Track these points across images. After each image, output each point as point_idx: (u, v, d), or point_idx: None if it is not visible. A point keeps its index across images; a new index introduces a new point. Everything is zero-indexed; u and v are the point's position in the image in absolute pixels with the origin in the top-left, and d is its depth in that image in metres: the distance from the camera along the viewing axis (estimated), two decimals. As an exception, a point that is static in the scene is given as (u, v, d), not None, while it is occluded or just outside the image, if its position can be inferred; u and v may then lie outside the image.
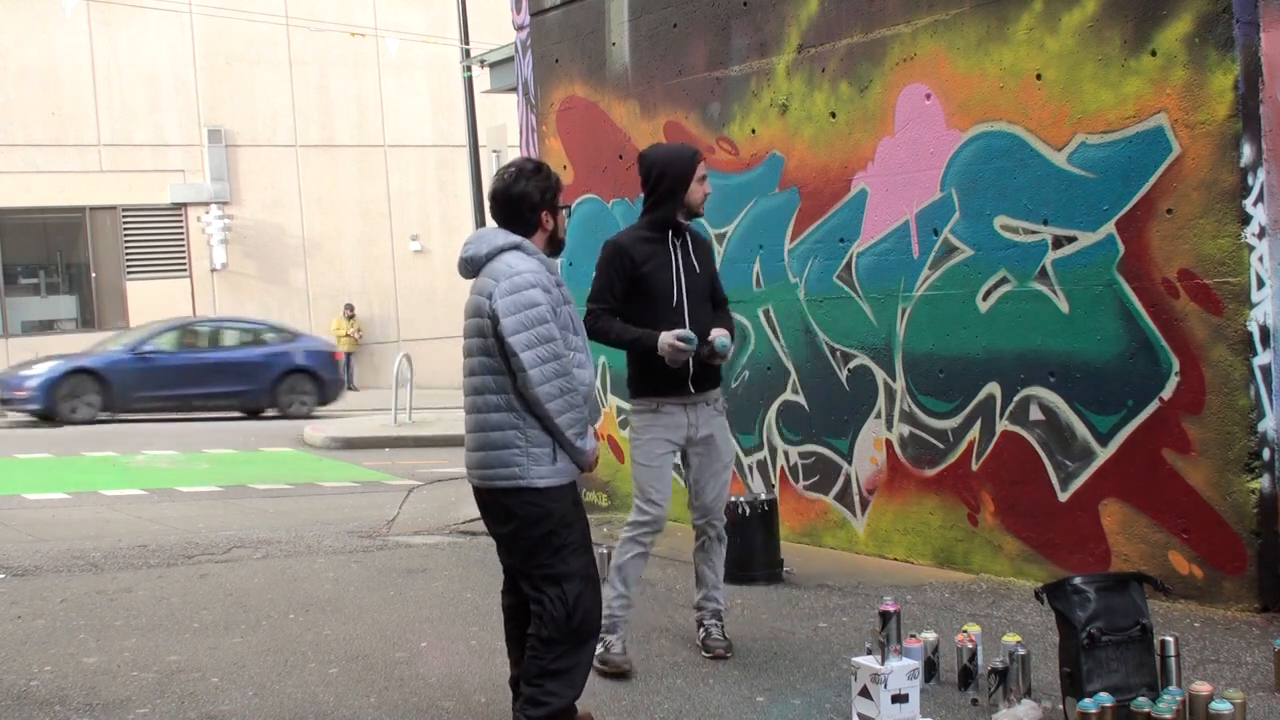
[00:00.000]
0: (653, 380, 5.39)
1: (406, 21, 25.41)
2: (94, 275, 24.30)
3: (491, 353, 4.23)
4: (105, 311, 24.36)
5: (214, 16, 24.15)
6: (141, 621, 6.46)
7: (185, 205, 24.32)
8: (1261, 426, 5.77)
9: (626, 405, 9.14)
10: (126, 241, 24.08)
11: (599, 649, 5.13)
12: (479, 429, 4.28)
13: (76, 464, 14.29)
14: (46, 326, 24.21)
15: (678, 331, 5.22)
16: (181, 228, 24.39)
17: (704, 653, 5.52)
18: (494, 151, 18.43)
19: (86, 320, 24.40)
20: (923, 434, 7.12)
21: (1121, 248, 6.14)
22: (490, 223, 4.48)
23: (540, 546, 4.25)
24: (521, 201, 4.37)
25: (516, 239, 4.33)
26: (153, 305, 24.02)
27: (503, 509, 4.27)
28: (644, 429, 5.44)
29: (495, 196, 4.40)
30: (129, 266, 24.17)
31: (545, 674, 4.23)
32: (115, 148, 23.71)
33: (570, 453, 4.27)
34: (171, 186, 24.10)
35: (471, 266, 4.34)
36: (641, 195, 5.47)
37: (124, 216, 23.94)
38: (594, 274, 5.41)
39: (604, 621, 5.03)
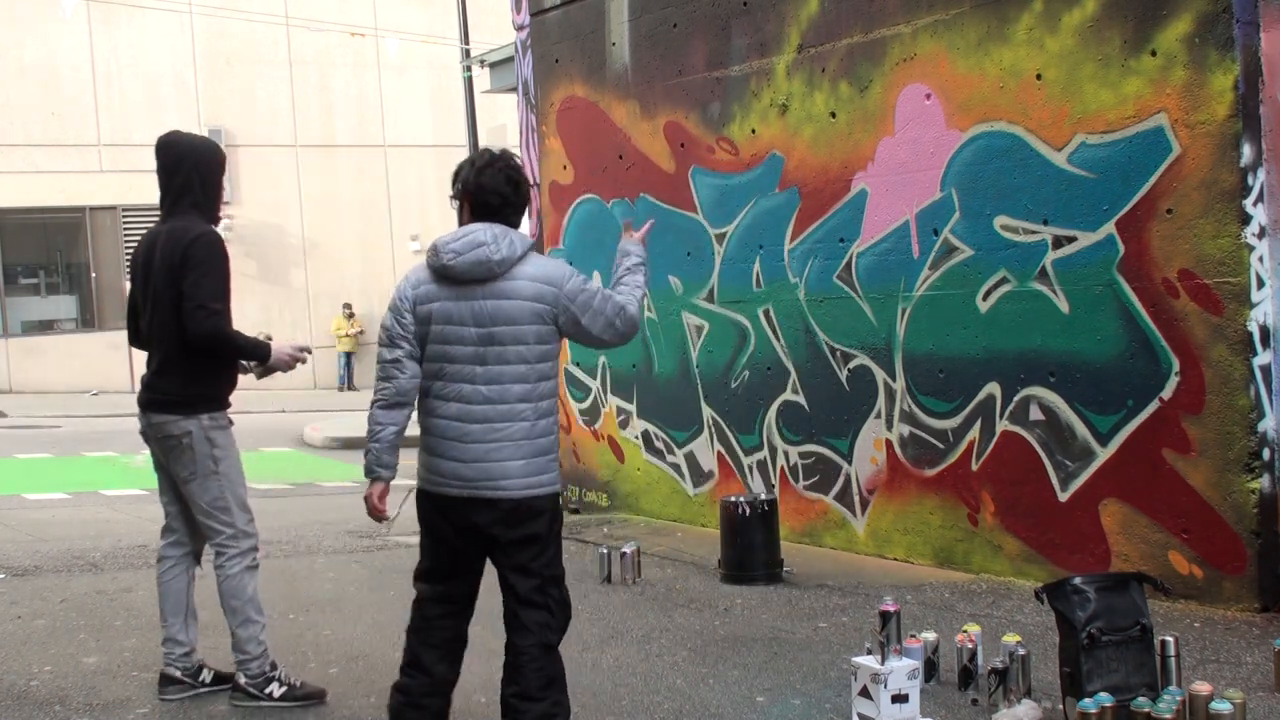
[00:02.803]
0: (227, 390, 5.08)
1: (406, 21, 25.39)
2: (94, 275, 24.31)
3: (550, 357, 4.11)
4: (105, 311, 24.36)
5: (214, 16, 24.15)
6: (141, 621, 6.45)
7: (185, 205, 24.30)
8: (1261, 426, 5.77)
9: (628, 405, 9.23)
10: (126, 241, 24.03)
11: (285, 689, 5.03)
12: (520, 438, 4.08)
13: (76, 464, 14.30)
14: (46, 326, 24.23)
15: (299, 344, 5.17)
16: (181, 228, 24.40)
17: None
18: (494, 151, 18.39)
19: (86, 320, 24.41)
20: (923, 434, 7.12)
21: (1121, 248, 6.14)
22: (455, 220, 4.30)
23: (552, 545, 4.19)
24: (527, 198, 4.26)
25: (531, 238, 4.26)
26: (153, 305, 24.02)
27: (524, 511, 4.10)
28: (230, 442, 5.06)
29: (504, 194, 4.16)
30: (129, 266, 24.17)
31: (551, 683, 4.12)
32: (115, 148, 23.72)
33: None
34: (171, 186, 24.10)
35: (502, 268, 4.05)
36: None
37: (124, 216, 23.93)
38: (203, 270, 4.84)
39: (268, 658, 5.04)
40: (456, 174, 4.24)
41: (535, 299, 4.06)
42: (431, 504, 4.27)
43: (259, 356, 5.04)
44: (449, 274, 4.09)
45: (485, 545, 4.20)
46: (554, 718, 4.12)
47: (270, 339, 5.17)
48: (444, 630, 4.30)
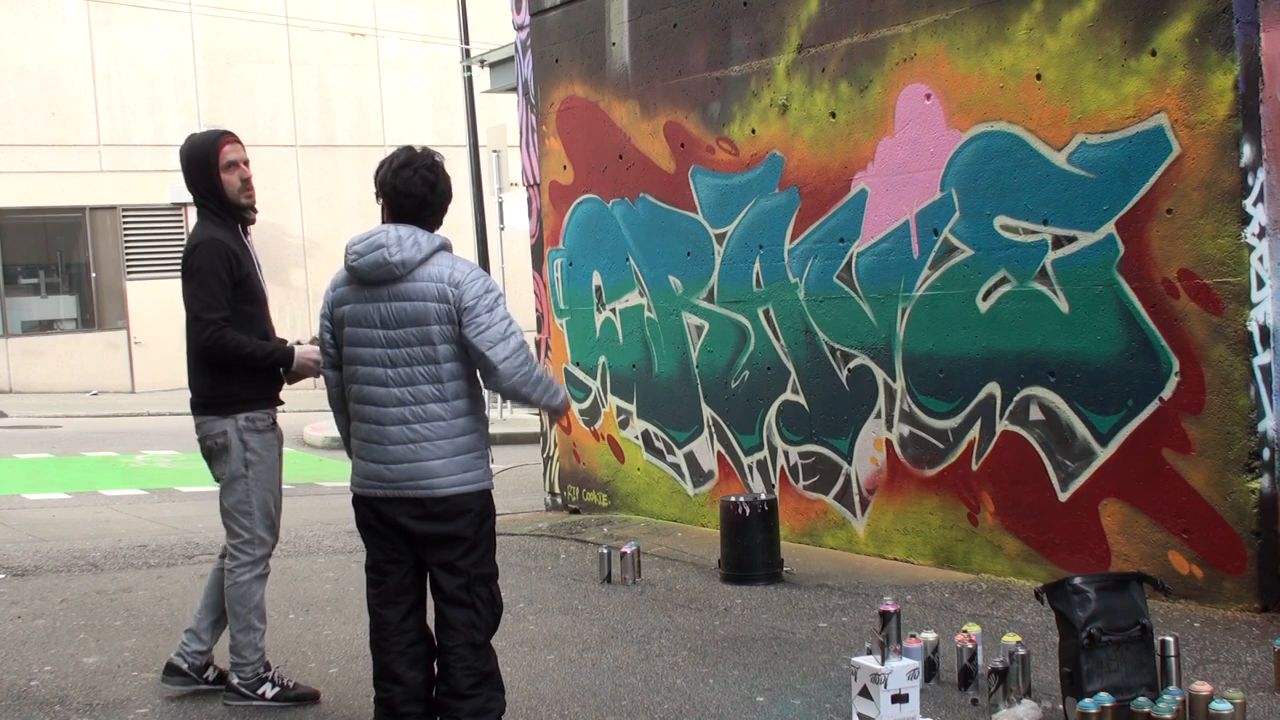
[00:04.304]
0: (266, 389, 5.03)
1: (406, 21, 25.41)
2: (94, 275, 24.30)
3: (460, 358, 4.13)
4: (105, 311, 24.37)
5: (214, 16, 24.16)
6: (141, 621, 6.46)
7: (185, 205, 24.22)
8: (1261, 426, 5.77)
9: (628, 405, 9.23)
10: (126, 241, 24.08)
11: (277, 690, 5.03)
12: (439, 438, 4.11)
13: (76, 464, 14.30)
14: (46, 326, 24.23)
15: (315, 348, 4.90)
16: (181, 227, 24.36)
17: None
18: (494, 151, 18.42)
19: (86, 320, 24.41)
20: (923, 434, 7.12)
21: (1121, 248, 6.14)
22: (375, 219, 4.21)
23: (481, 544, 4.21)
24: (447, 198, 4.23)
25: (443, 238, 4.20)
26: (152, 305, 24.04)
27: (451, 508, 4.14)
28: (267, 447, 5.05)
29: (420, 196, 4.15)
30: (129, 266, 24.17)
31: (483, 680, 4.18)
32: (115, 148, 23.72)
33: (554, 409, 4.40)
34: (171, 186, 24.03)
35: (403, 270, 4.09)
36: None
37: (124, 216, 23.94)
38: (196, 281, 4.84)
39: (263, 661, 5.03)
40: (377, 173, 4.23)
41: (438, 299, 4.10)
42: (363, 502, 4.31)
43: (277, 363, 4.96)
44: (356, 275, 4.17)
45: (415, 542, 4.22)
46: (489, 713, 4.18)
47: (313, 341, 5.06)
48: (405, 634, 4.30)
